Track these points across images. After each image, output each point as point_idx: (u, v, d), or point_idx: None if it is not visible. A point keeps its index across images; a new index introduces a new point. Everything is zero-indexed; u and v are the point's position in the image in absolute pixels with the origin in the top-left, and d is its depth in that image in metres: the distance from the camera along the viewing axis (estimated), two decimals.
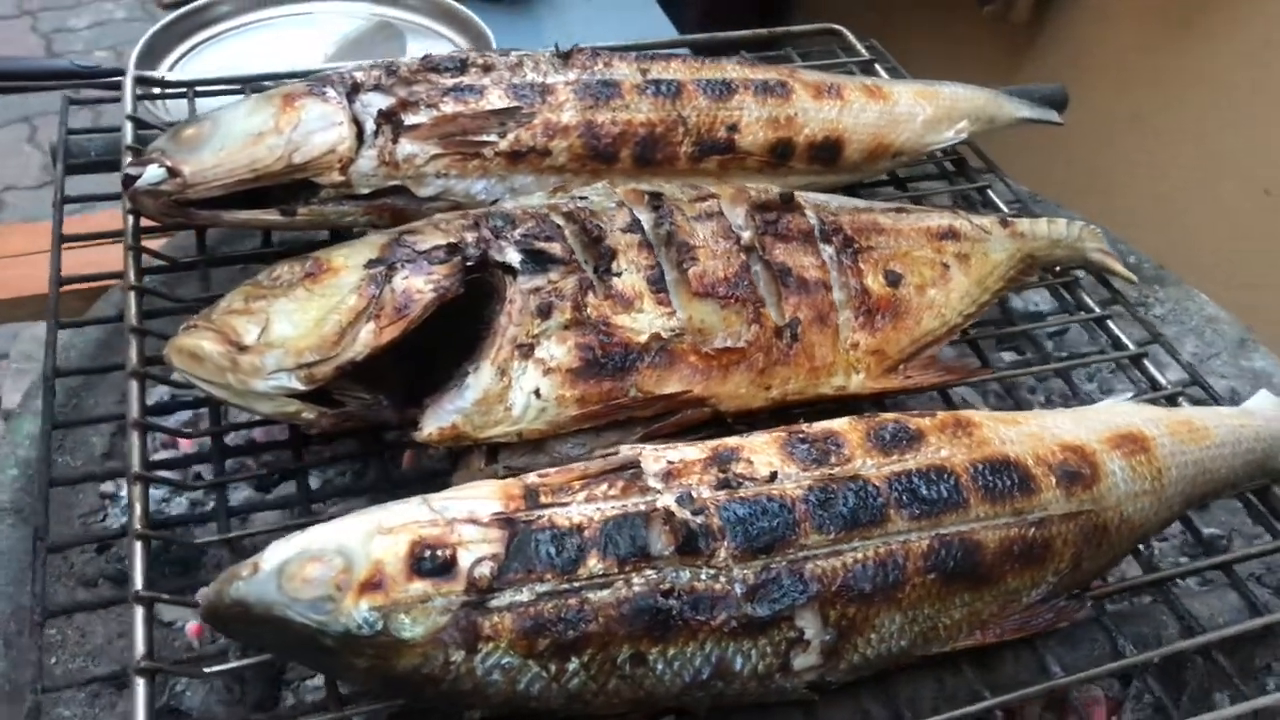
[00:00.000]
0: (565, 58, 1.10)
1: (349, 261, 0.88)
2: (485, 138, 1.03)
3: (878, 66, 1.37)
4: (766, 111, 1.10)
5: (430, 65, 1.06)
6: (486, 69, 1.07)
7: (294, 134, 0.99)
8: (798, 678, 0.72)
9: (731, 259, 0.92)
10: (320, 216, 1.02)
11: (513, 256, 0.89)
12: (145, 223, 1.03)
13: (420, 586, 0.68)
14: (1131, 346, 1.04)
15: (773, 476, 0.75)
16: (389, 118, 1.01)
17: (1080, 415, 0.86)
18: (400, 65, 1.06)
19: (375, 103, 1.03)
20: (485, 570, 0.69)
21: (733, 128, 1.09)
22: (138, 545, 0.79)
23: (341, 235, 1.06)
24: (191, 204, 1.00)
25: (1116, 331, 1.06)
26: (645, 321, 0.87)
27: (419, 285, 0.86)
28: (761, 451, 0.77)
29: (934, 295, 0.98)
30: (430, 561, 0.69)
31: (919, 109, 1.17)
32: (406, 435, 0.87)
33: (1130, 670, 0.87)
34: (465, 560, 0.69)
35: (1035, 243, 1.06)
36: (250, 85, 1.22)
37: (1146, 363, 1.03)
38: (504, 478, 0.85)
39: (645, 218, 0.94)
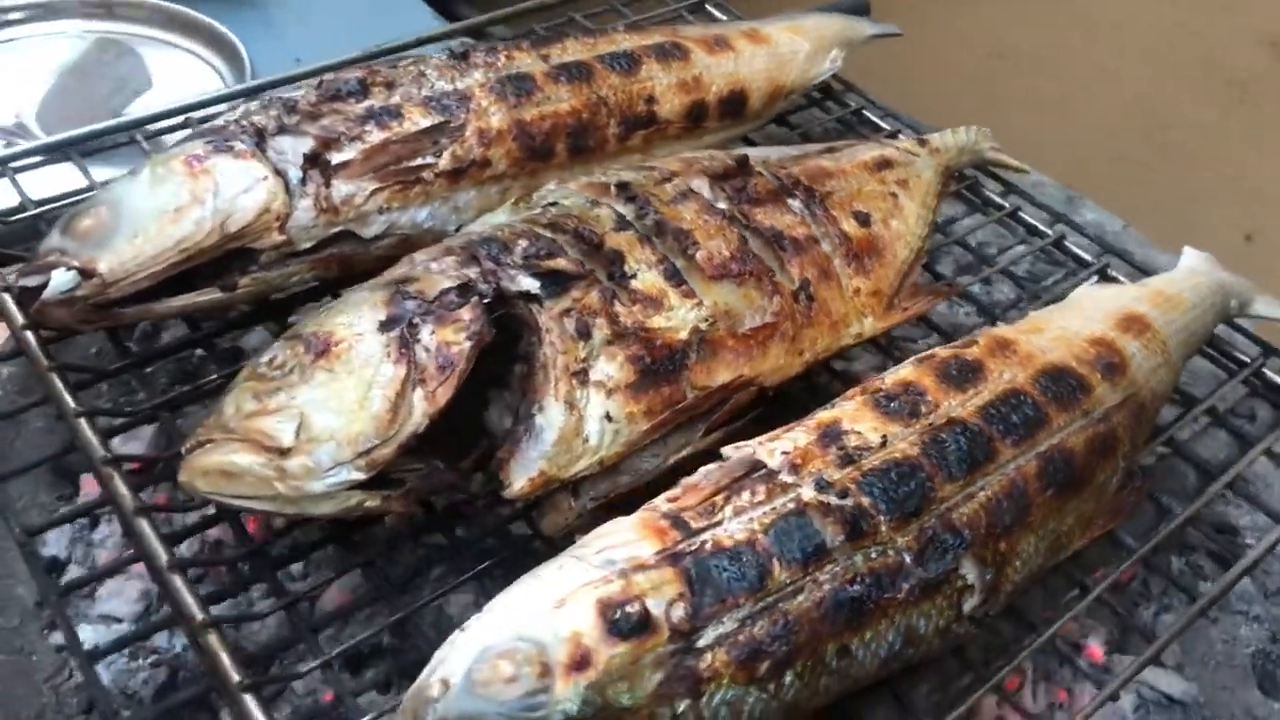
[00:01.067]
0: (463, 58, 1.03)
1: (356, 328, 0.80)
2: (422, 160, 0.95)
3: (709, 8, 1.38)
4: (674, 76, 1.09)
5: (330, 93, 0.97)
6: (389, 86, 0.99)
7: (218, 201, 0.88)
8: (967, 621, 0.76)
9: (727, 235, 0.91)
10: (264, 284, 0.92)
11: (528, 283, 0.84)
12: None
13: (625, 649, 0.65)
14: (1050, 233, 1.13)
15: (884, 441, 0.77)
16: (314, 161, 0.92)
17: (1075, 309, 0.93)
18: (295, 99, 0.96)
19: (291, 147, 0.93)
20: (681, 612, 0.67)
21: (650, 99, 1.07)
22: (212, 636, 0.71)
23: (272, 303, 0.97)
24: (113, 303, 0.87)
25: (1031, 220, 1.14)
26: (680, 317, 0.85)
27: (450, 337, 0.80)
28: (860, 419, 0.79)
29: (897, 225, 1.02)
30: (625, 621, 0.66)
31: (798, 45, 1.19)
32: (460, 494, 0.83)
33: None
34: (657, 608, 0.67)
35: (949, 154, 1.12)
36: (78, 148, 1.07)
37: (1068, 243, 1.12)
38: (590, 509, 0.82)
39: (625, 211, 0.92)
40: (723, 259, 0.90)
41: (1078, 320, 0.91)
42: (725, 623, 0.67)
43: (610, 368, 0.82)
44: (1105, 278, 1.08)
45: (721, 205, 0.94)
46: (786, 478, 0.74)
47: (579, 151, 1.03)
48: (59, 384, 0.85)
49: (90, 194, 0.93)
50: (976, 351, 0.85)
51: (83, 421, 0.82)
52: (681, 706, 0.66)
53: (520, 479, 0.79)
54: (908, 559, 0.72)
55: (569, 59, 1.06)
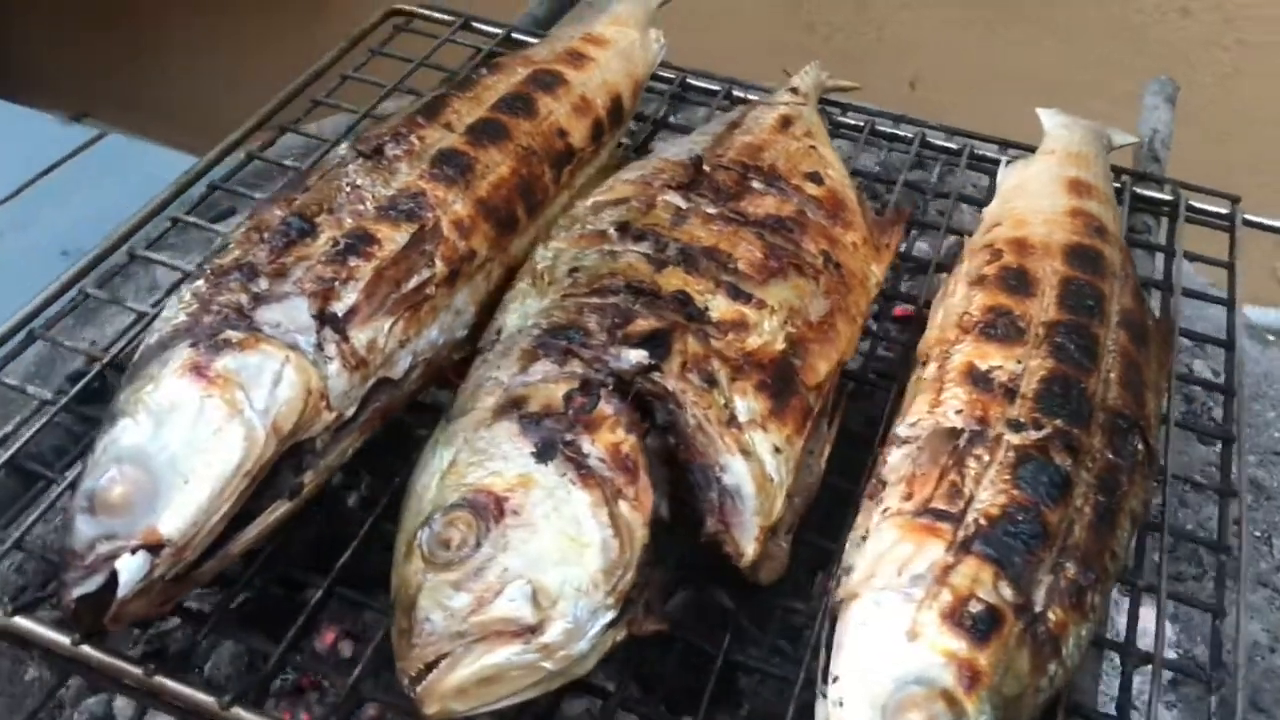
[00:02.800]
0: (377, 152, 0.93)
1: (513, 473, 0.73)
2: (420, 276, 0.86)
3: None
4: (566, 104, 1.05)
5: (280, 241, 0.85)
6: (330, 211, 0.88)
7: (256, 404, 0.76)
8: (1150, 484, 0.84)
9: (745, 237, 0.91)
10: (327, 472, 0.81)
11: (636, 355, 0.80)
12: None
13: (995, 645, 0.67)
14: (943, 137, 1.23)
15: (1023, 367, 0.83)
16: (322, 319, 0.81)
17: (1027, 194, 1.03)
18: (250, 261, 0.83)
19: (285, 315, 0.81)
20: (1008, 590, 0.70)
21: (561, 133, 1.03)
22: None
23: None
24: (191, 567, 0.73)
25: (902, 132, 1.23)
26: (768, 330, 0.85)
27: (613, 438, 0.75)
28: (986, 354, 0.84)
29: (832, 174, 1.05)
30: (978, 621, 0.68)
31: (629, 34, 1.18)
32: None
33: None
34: (990, 596, 0.69)
35: (812, 94, 1.18)
36: None
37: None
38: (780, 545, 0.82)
39: (645, 249, 0.89)
40: (760, 261, 0.90)
41: (1041, 200, 1.01)
42: (1043, 579, 0.71)
43: (749, 403, 0.81)
44: (974, 155, 1.20)
45: (712, 211, 0.94)
46: (990, 431, 0.78)
47: (532, 209, 0.98)
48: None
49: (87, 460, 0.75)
50: (1009, 258, 0.92)
51: None
52: (1053, 668, 0.69)
53: (749, 544, 0.76)
54: (1110, 455, 0.79)
55: (472, 120, 0.99)
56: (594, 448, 0.75)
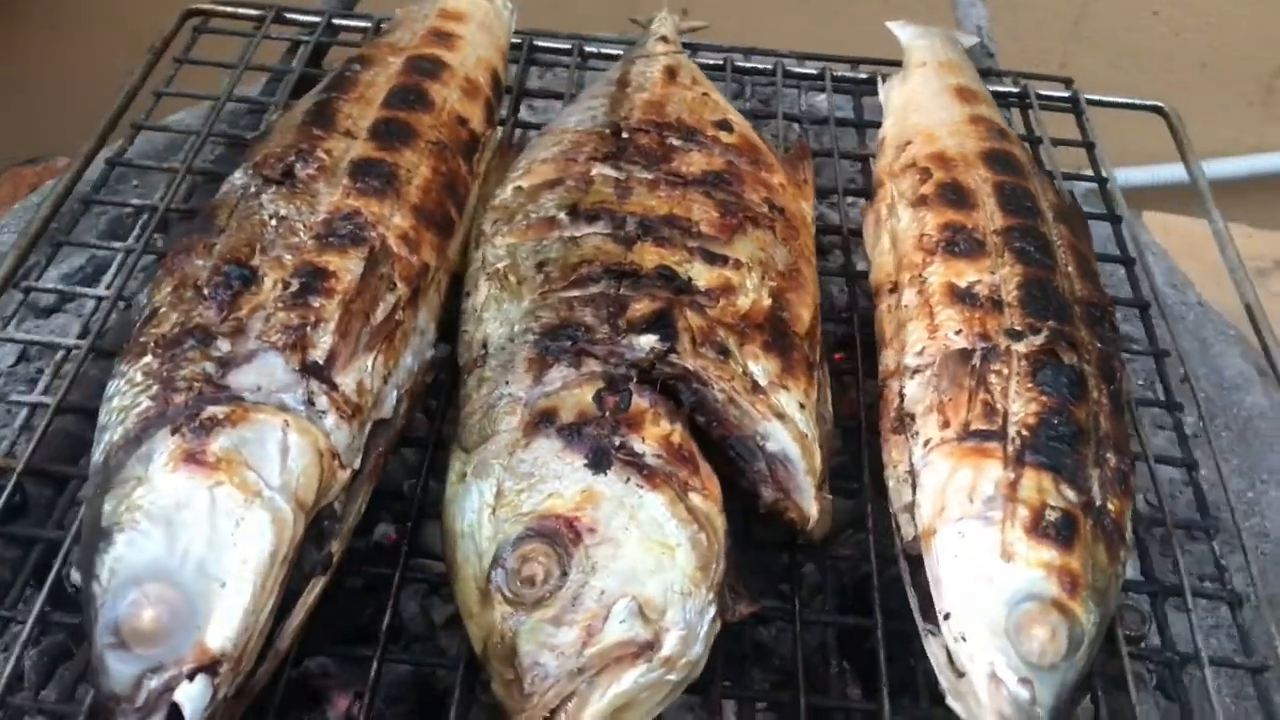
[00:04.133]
0: (287, 177, 0.84)
1: (575, 491, 0.69)
2: (387, 303, 0.79)
3: None
4: (455, 89, 0.98)
5: (225, 296, 0.75)
6: (262, 251, 0.78)
7: (274, 484, 0.67)
8: None
9: (693, 199, 0.89)
10: (349, 534, 0.73)
11: (647, 340, 0.77)
12: None
13: (1080, 547, 0.70)
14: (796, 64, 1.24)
15: (997, 277, 0.86)
16: (305, 371, 0.73)
17: (921, 108, 1.06)
18: (194, 324, 0.73)
19: (263, 375, 0.72)
20: (1071, 492, 0.73)
21: (461, 121, 0.96)
22: None
23: None
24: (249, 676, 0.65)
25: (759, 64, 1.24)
26: (751, 288, 0.83)
27: (660, 431, 0.72)
28: (960, 271, 0.86)
29: (733, 116, 1.04)
30: (1058, 529, 0.70)
31: (480, 3, 1.11)
32: None
33: None
34: (1058, 502, 0.72)
35: (678, 38, 1.16)
36: None
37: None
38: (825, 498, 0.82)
39: (606, 229, 0.85)
40: (719, 220, 0.88)
41: (938, 113, 1.04)
42: (1093, 473, 0.74)
43: (762, 366, 0.79)
44: (835, 78, 1.22)
45: (649, 177, 0.91)
46: (998, 343, 0.80)
47: (459, 207, 0.91)
48: None
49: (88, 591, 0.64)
50: (939, 174, 0.95)
51: None
52: (1123, 554, 0.73)
53: (811, 505, 0.75)
54: (1098, 344, 0.83)
55: (370, 122, 0.91)
56: (646, 445, 0.71)
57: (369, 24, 1.21)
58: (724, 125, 1.01)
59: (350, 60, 1.00)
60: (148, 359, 0.72)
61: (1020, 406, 0.77)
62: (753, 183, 0.94)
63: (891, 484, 0.79)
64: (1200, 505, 0.90)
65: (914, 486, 0.76)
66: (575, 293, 0.81)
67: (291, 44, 1.23)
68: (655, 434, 0.72)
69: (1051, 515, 0.71)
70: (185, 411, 0.69)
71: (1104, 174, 1.14)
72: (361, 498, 0.74)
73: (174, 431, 0.68)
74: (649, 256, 0.83)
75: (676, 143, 0.96)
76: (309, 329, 0.74)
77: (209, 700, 0.61)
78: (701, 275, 0.83)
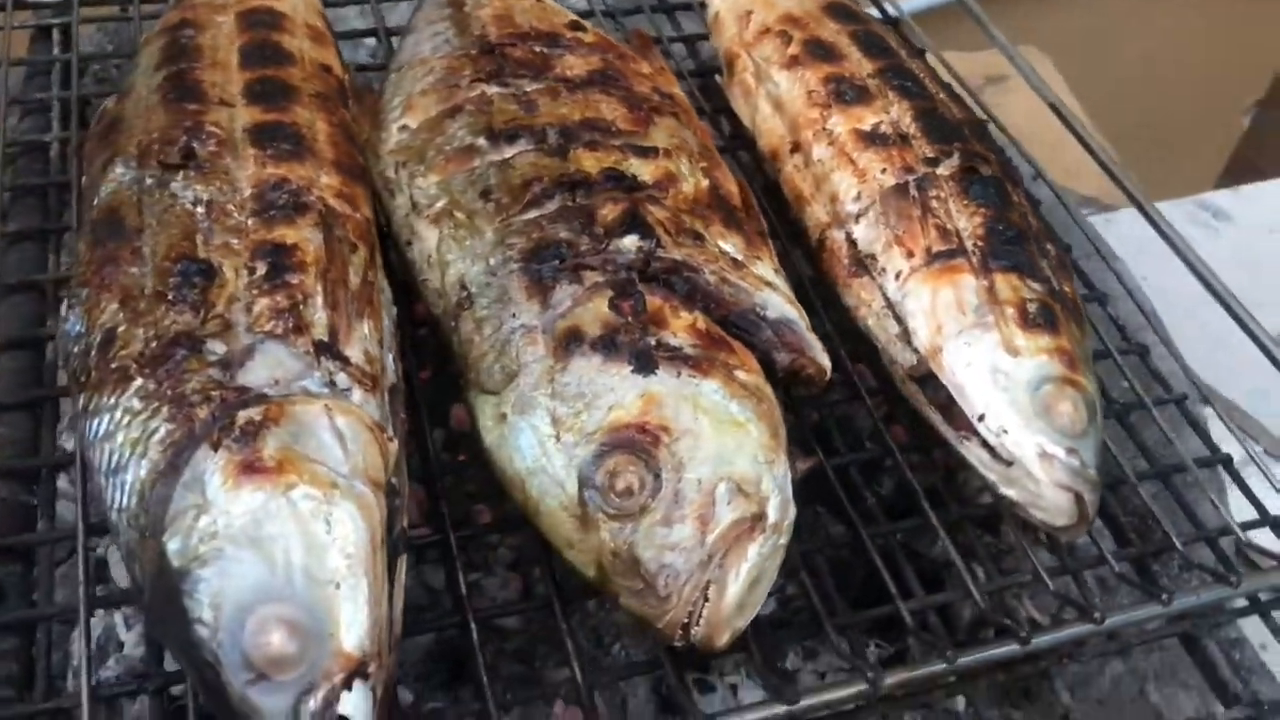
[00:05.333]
0: (185, 157, 0.75)
1: (630, 395, 0.69)
2: (354, 264, 0.74)
3: None
4: (304, 37, 0.91)
5: (191, 295, 0.67)
6: (194, 240, 0.71)
7: (344, 471, 0.63)
8: None
9: (594, 101, 0.88)
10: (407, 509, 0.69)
11: (631, 241, 0.76)
12: None
13: (1064, 327, 0.78)
14: None
15: (890, 115, 0.91)
16: (317, 351, 0.67)
17: None
18: (170, 333, 0.66)
19: (273, 369, 0.66)
20: (1036, 285, 0.81)
21: (325, 68, 0.90)
22: None
23: None
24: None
25: None
26: (686, 171, 0.84)
27: (687, 320, 0.73)
28: (859, 117, 0.91)
29: (575, 18, 1.03)
30: (1042, 317, 0.78)
31: None
32: None
33: None
34: (1032, 294, 0.79)
35: None
36: None
37: None
38: None
39: (531, 146, 0.83)
40: (630, 115, 0.88)
41: None
42: (1042, 264, 0.82)
43: (730, 242, 0.81)
44: None
45: (541, 87, 0.89)
46: (924, 172, 0.86)
47: (361, 154, 0.85)
48: None
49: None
50: (798, 34, 0.99)
51: None
52: (1086, 326, 0.83)
53: (823, 356, 0.78)
54: (991, 153, 0.91)
55: (240, 86, 0.83)
56: (679, 338, 0.72)
57: None
58: (576, 26, 1.00)
59: (168, 29, 0.90)
60: (138, 383, 0.64)
61: (966, 222, 0.84)
62: (633, 75, 0.95)
63: (871, 321, 0.84)
64: None
65: (897, 318, 0.82)
66: (534, 213, 0.79)
67: (36, 29, 1.09)
68: (681, 325, 0.73)
69: (1032, 308, 0.79)
70: (217, 423, 0.62)
71: (892, 13, 1.22)
72: (405, 468, 0.71)
73: (215, 447, 0.61)
74: (587, 162, 0.82)
75: (544, 50, 0.94)
76: (300, 309, 0.69)
77: (372, 703, 0.58)
78: (642, 170, 0.83)
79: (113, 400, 0.65)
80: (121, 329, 0.67)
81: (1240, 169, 2.88)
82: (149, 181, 0.75)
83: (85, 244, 0.74)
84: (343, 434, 0.64)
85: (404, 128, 0.89)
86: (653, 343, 0.71)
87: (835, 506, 0.84)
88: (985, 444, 0.76)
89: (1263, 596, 0.78)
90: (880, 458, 0.86)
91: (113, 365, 0.66)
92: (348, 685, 0.57)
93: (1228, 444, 0.90)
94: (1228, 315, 0.93)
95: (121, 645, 0.80)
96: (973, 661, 0.70)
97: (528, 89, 0.89)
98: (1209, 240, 1.14)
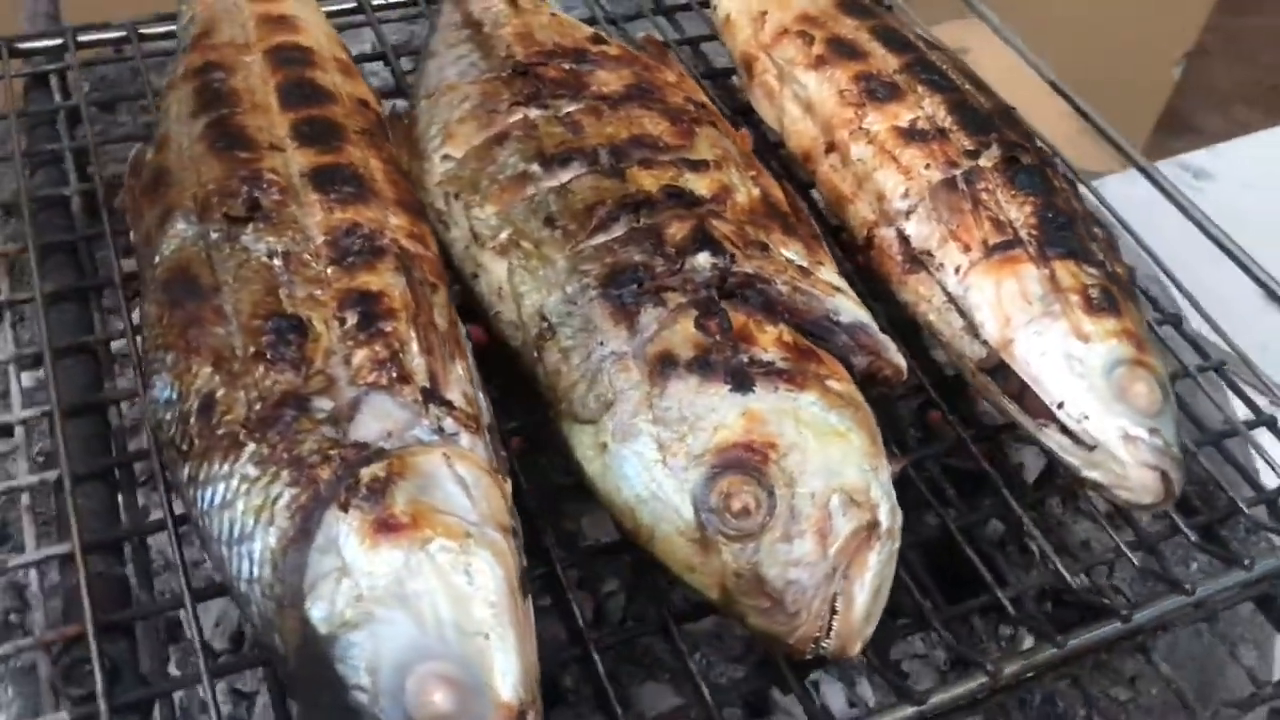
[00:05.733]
0: (251, 208, 0.74)
1: (731, 414, 0.69)
2: (438, 305, 0.73)
3: None
4: (336, 71, 0.89)
5: (288, 353, 0.66)
6: (277, 295, 0.70)
7: (474, 519, 0.63)
8: None
9: (635, 116, 0.88)
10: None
11: (702, 260, 0.77)
12: None
13: (1125, 309, 0.81)
14: None
15: (924, 109, 0.93)
16: (425, 399, 0.67)
17: None
18: (273, 394, 0.65)
19: (384, 422, 0.65)
20: (1090, 269, 0.83)
21: (363, 104, 0.88)
22: None
23: None
24: None
25: None
26: (738, 181, 0.85)
27: (774, 334, 0.74)
28: (893, 115, 0.92)
29: (593, 31, 1.03)
30: (1105, 300, 0.80)
31: None
32: None
33: None
34: (1091, 279, 0.81)
35: None
36: None
37: None
38: None
39: (581, 171, 0.83)
40: (673, 129, 0.88)
41: None
42: (1093, 248, 0.84)
43: (793, 250, 0.82)
44: None
45: (582, 107, 0.89)
46: (968, 165, 0.88)
47: (415, 189, 0.84)
48: None
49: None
50: (819, 33, 0.99)
51: None
52: (1141, 304, 0.85)
53: (899, 357, 0.78)
54: (1020, 139, 0.93)
55: (286, 129, 0.81)
56: (769, 352, 0.73)
57: (121, 33, 1.05)
58: (598, 39, 1.00)
59: (195, 72, 0.88)
60: (250, 448, 0.63)
61: (1017, 212, 0.85)
62: (665, 87, 0.95)
63: (933, 317, 0.85)
64: None
65: (960, 311, 0.84)
66: (602, 237, 0.79)
67: (31, 77, 1.05)
68: (769, 339, 0.74)
69: (1094, 292, 0.81)
70: (341, 482, 0.61)
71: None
72: (514, 507, 0.70)
73: (344, 507, 0.60)
74: (645, 181, 0.82)
75: (574, 67, 0.94)
76: (399, 357, 0.68)
77: None
78: (698, 184, 0.83)
79: (226, 468, 0.63)
80: (220, 393, 0.66)
81: (1172, 122, 2.97)
82: (215, 236, 0.74)
83: (157, 305, 0.72)
84: (465, 481, 0.64)
85: (447, 157, 0.88)
86: (745, 359, 0.72)
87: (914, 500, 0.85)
88: (1064, 430, 0.78)
89: None
90: (947, 450, 0.87)
91: (219, 432, 0.65)
92: None
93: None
94: (1219, 275, 0.97)
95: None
96: (1080, 643, 0.72)
97: (569, 110, 0.89)
98: (1197, 200, 1.17)
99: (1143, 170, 1.11)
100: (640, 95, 0.91)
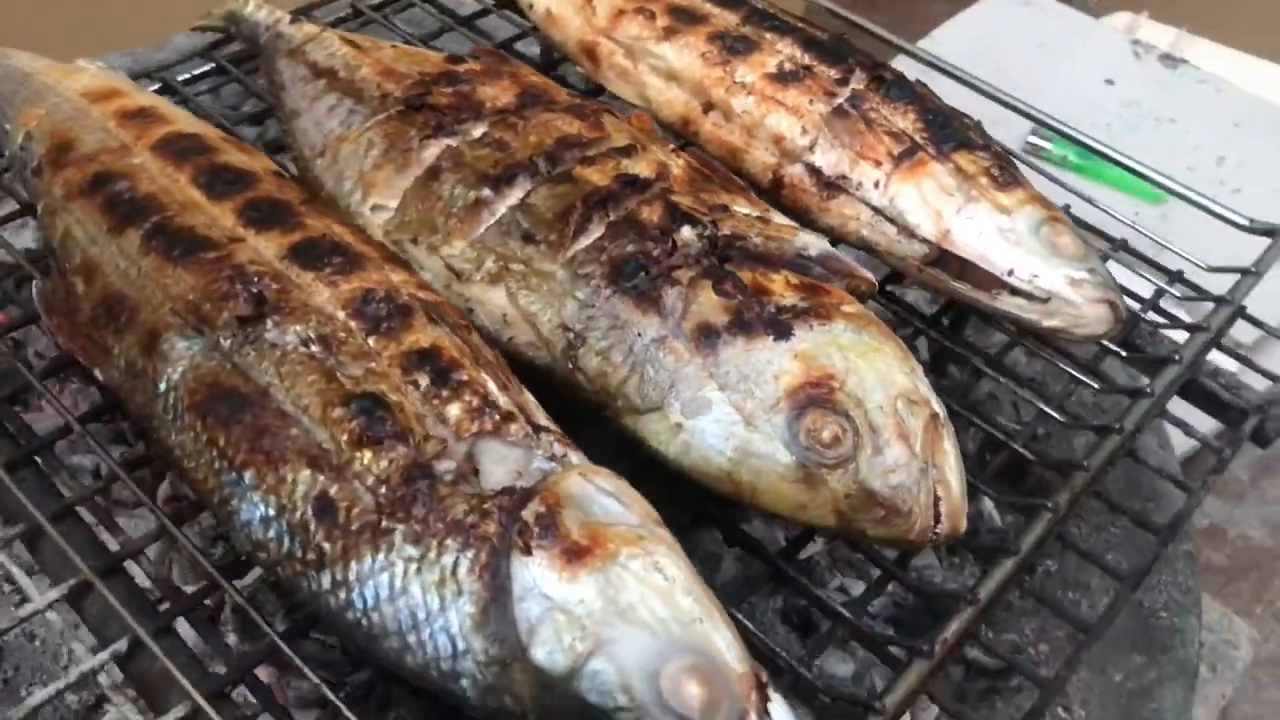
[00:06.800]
0: (256, 307, 0.70)
1: (783, 361, 0.74)
2: (475, 342, 0.72)
3: None
4: (236, 153, 0.84)
5: (387, 429, 0.64)
6: (346, 380, 0.67)
7: (635, 520, 0.64)
8: None
9: (541, 118, 0.90)
10: None
11: (686, 233, 0.81)
12: None
13: (1025, 181, 0.92)
14: None
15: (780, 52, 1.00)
16: (531, 430, 0.67)
17: None
18: (400, 467, 0.63)
19: (506, 464, 0.65)
20: (983, 156, 0.94)
21: (278, 172, 0.83)
22: None
23: None
24: None
25: None
26: (664, 157, 0.89)
27: (779, 279, 0.79)
28: (759, 63, 0.99)
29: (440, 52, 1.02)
30: (1008, 176, 0.92)
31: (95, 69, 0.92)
32: None
33: None
34: (988, 161, 0.93)
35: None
36: None
37: None
38: None
39: (531, 183, 0.84)
40: (580, 122, 0.90)
41: None
42: (973, 135, 0.96)
43: (741, 204, 0.87)
44: None
45: (494, 121, 0.90)
46: (843, 92, 0.96)
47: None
48: None
49: None
50: (653, 5, 1.04)
51: None
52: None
53: (865, 271, 0.86)
54: (864, 56, 1.03)
55: (232, 218, 0.76)
56: (786, 298, 0.78)
57: None
58: (455, 59, 1.00)
59: (84, 191, 0.80)
60: (400, 530, 0.61)
61: (903, 121, 0.95)
62: (545, 87, 0.97)
63: (864, 233, 0.94)
64: None
65: (889, 220, 0.92)
66: (586, 240, 0.81)
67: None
68: (780, 287, 0.79)
69: (995, 172, 0.92)
70: (511, 530, 0.61)
71: None
72: None
73: (526, 551, 0.61)
74: (595, 177, 0.85)
75: (457, 90, 0.94)
76: (490, 399, 0.68)
77: (787, 703, 0.61)
78: (638, 167, 0.87)
79: (381, 558, 0.61)
80: (334, 490, 0.63)
81: None
82: (229, 343, 0.69)
83: (196, 431, 0.67)
84: (610, 491, 0.65)
85: (379, 207, 0.86)
86: (773, 309, 0.77)
87: None
88: (1015, 292, 0.89)
89: None
90: None
91: (353, 528, 0.62)
92: (764, 698, 0.60)
93: None
94: None
95: None
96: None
97: (483, 130, 0.89)
98: None
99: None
100: (534, 101, 0.93)
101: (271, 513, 0.64)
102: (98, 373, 0.74)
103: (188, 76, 1.07)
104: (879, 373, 0.76)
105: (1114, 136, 1.31)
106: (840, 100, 0.96)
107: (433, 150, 0.87)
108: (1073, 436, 1.05)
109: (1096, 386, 0.92)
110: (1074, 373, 0.93)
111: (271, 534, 0.64)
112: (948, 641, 0.73)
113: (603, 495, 0.64)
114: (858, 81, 0.98)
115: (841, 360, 0.76)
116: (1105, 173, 1.49)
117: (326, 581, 0.63)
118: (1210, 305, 0.98)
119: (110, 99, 0.88)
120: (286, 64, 1.00)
